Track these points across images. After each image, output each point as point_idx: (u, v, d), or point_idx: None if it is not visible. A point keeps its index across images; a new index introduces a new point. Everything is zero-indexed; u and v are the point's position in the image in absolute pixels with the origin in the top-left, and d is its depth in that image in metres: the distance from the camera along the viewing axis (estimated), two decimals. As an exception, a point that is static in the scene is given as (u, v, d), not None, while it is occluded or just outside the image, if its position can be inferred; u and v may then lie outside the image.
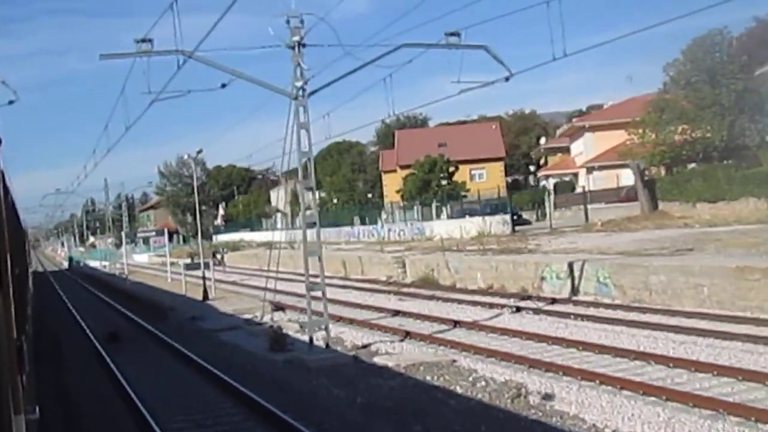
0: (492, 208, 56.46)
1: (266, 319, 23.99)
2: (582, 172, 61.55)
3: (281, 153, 18.82)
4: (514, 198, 66.08)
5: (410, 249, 43.38)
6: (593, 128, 60.42)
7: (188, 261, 73.98)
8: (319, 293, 18.86)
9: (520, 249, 34.50)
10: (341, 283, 38.28)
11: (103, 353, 20.50)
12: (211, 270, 32.72)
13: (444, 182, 74.83)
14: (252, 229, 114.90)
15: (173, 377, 17.39)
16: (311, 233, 19.01)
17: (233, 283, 44.45)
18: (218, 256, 71.35)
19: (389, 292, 32.19)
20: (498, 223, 46.03)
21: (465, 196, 75.06)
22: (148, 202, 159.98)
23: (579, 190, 55.96)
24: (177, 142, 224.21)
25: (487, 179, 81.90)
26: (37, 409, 4.62)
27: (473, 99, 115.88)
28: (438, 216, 68.06)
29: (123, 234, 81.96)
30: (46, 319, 29.41)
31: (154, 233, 58.37)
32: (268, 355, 19.00)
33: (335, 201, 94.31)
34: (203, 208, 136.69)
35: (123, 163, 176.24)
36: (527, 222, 58.60)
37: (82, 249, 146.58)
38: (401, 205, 77.90)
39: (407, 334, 20.33)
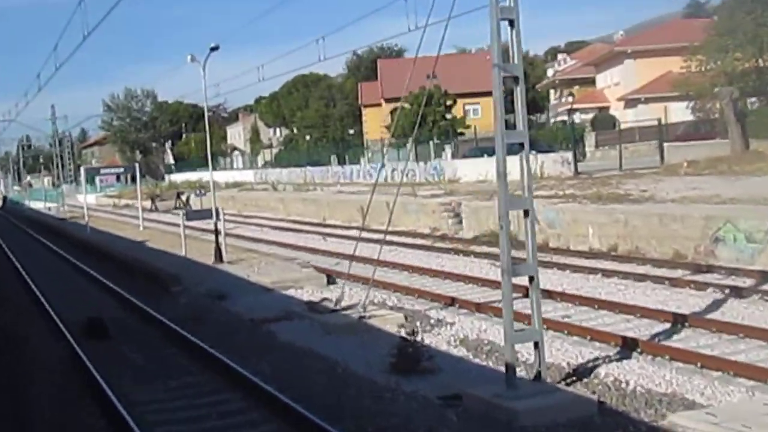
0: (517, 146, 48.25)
1: (345, 301, 15.21)
2: (618, 105, 53.35)
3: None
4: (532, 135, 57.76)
5: (450, 193, 34.84)
6: (637, 54, 52.00)
7: (149, 204, 64.61)
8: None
9: (620, 196, 26.22)
10: (370, 236, 29.85)
11: (91, 369, 11.70)
12: (221, 220, 23.61)
13: (441, 117, 66.22)
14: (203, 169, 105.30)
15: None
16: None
17: (234, 236, 35.32)
18: (183, 198, 61.94)
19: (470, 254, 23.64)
20: (553, 164, 37.64)
21: (462, 134, 66.64)
22: (87, 140, 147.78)
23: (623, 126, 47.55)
24: (121, 79, 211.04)
25: (482, 115, 73.38)
26: None
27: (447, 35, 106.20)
28: (438, 155, 59.58)
29: (70, 170, 72.28)
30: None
31: (111, 170, 48.66)
32: (402, 384, 10.47)
33: (307, 138, 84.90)
34: (153, 145, 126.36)
35: (64, 99, 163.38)
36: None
37: (17, 188, 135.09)
38: (389, 142, 69.26)
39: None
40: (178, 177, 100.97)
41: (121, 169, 52.71)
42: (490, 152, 49.42)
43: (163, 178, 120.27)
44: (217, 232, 22.66)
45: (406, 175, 50.87)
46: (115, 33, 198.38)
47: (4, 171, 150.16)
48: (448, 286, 18.13)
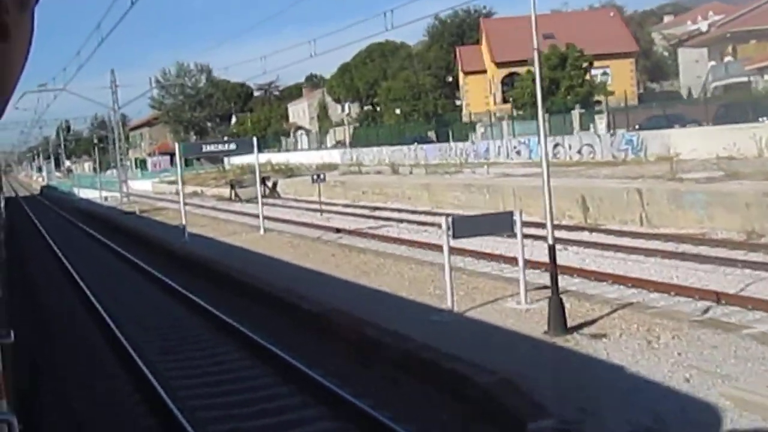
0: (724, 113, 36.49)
1: None
2: None
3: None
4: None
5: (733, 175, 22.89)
6: None
7: (229, 192, 53.41)
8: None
9: None
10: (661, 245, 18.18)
11: None
12: (519, 234, 11.64)
13: (579, 82, 54.18)
14: (270, 150, 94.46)
15: None
16: None
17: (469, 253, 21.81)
18: (269, 184, 50.66)
19: None
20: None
21: (599, 102, 54.54)
22: (128, 124, 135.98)
23: None
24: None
25: (612, 81, 61.22)
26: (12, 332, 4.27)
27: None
28: (584, 128, 47.66)
29: (122, 155, 62.14)
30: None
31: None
32: None
33: (398, 112, 72.99)
34: (209, 125, 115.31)
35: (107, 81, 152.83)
36: None
37: (58, 174, 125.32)
38: (508, 115, 57.48)
39: None
40: (240, 160, 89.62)
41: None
42: (683, 122, 37.60)
43: (221, 162, 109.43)
44: (556, 273, 10.48)
45: (578, 152, 39.16)
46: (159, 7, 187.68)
47: (44, 157, 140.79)
48: None
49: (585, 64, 55.25)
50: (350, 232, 26.25)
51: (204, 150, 23.21)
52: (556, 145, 39.02)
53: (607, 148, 36.55)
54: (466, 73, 69.19)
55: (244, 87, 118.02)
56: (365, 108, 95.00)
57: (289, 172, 54.21)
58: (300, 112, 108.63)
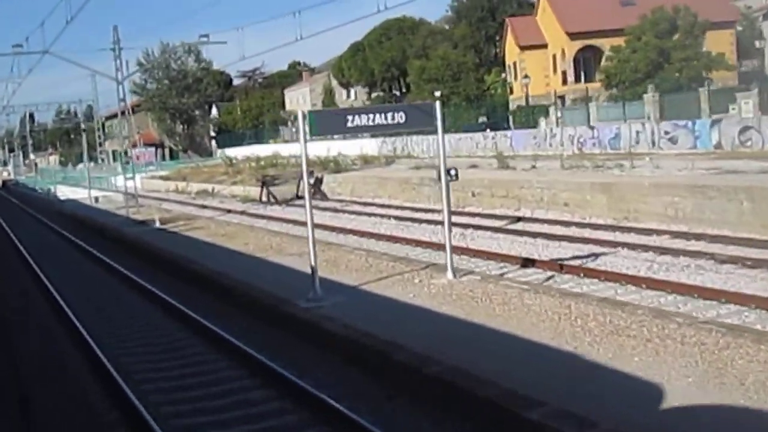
0: None
1: None
2: None
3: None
4: None
5: None
6: None
7: (260, 192, 41.86)
8: None
9: None
10: None
11: None
12: None
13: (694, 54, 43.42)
14: (262, 141, 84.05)
15: None
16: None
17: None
18: (310, 180, 39.34)
19: None
20: None
21: (710, 79, 43.93)
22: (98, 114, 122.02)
23: None
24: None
25: (708, 57, 50.58)
26: None
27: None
28: (716, 109, 37.03)
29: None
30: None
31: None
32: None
33: (437, 95, 61.46)
34: (197, 112, 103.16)
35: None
36: None
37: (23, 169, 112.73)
38: (598, 94, 46.69)
39: None
40: (236, 151, 77.82)
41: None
42: None
43: (211, 154, 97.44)
44: None
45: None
46: None
47: (9, 149, 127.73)
48: None
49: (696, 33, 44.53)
50: (580, 271, 15.27)
51: (351, 122, 11.99)
52: (745, 129, 28.20)
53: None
54: (522, 48, 58.12)
55: (223, 75, 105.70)
56: (379, 93, 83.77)
57: (334, 165, 42.82)
58: (299, 98, 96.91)
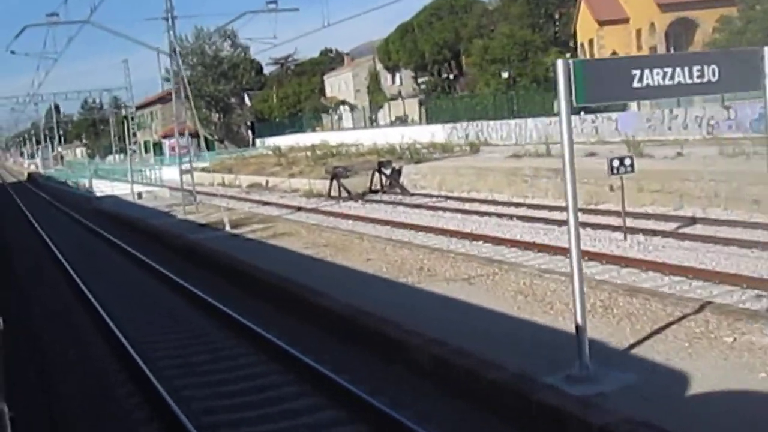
0: None
1: None
2: None
3: None
4: None
5: None
6: None
7: (329, 185, 36.63)
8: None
9: None
10: None
11: None
12: None
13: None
14: (299, 130, 79.17)
15: None
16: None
17: None
18: (386, 171, 34.10)
19: None
20: None
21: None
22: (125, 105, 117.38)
23: None
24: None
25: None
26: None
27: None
28: None
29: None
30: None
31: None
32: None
33: (504, 76, 56.03)
34: (232, 100, 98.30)
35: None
36: None
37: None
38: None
39: None
40: (275, 140, 72.75)
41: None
42: None
43: (247, 144, 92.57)
44: None
45: None
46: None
47: (36, 141, 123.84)
48: None
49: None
50: None
51: (638, 80, 7.08)
52: None
53: None
54: (601, 24, 52.59)
55: (253, 62, 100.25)
56: (428, 77, 78.39)
57: (410, 155, 37.55)
58: (341, 84, 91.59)
